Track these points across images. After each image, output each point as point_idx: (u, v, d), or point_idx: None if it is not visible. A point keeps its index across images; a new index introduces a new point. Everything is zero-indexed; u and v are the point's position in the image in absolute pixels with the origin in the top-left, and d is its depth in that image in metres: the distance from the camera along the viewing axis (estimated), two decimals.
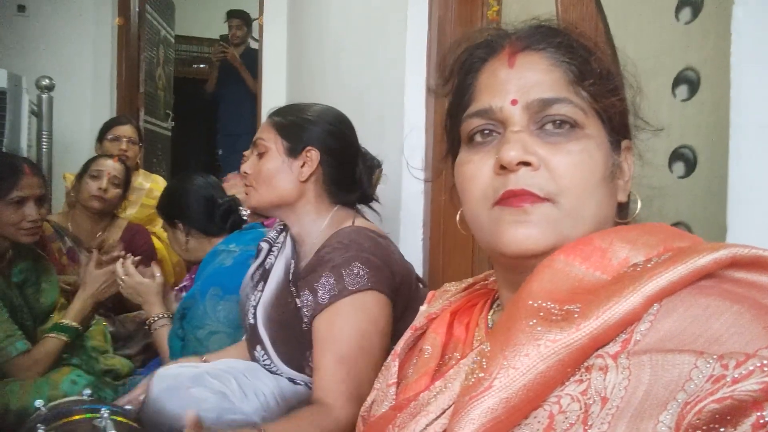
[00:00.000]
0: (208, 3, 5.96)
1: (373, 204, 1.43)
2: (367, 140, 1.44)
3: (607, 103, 0.65)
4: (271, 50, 3.77)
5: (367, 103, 2.03)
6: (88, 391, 1.34)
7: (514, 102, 0.63)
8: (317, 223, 1.32)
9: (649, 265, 0.55)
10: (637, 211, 0.68)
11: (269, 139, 1.32)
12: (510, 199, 0.61)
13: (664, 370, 0.48)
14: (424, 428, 0.61)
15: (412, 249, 1.73)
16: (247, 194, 1.36)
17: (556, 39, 0.66)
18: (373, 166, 1.40)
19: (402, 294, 1.24)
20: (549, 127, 0.63)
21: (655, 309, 0.52)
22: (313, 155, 1.31)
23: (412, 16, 1.81)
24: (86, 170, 2.46)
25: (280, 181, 1.30)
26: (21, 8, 3.80)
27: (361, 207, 1.42)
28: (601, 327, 0.51)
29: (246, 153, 1.49)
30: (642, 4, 1.12)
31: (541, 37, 0.66)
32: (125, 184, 2.52)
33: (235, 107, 4.61)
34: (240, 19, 4.80)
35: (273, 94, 3.62)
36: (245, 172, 1.35)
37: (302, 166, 1.30)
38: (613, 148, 0.66)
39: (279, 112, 1.38)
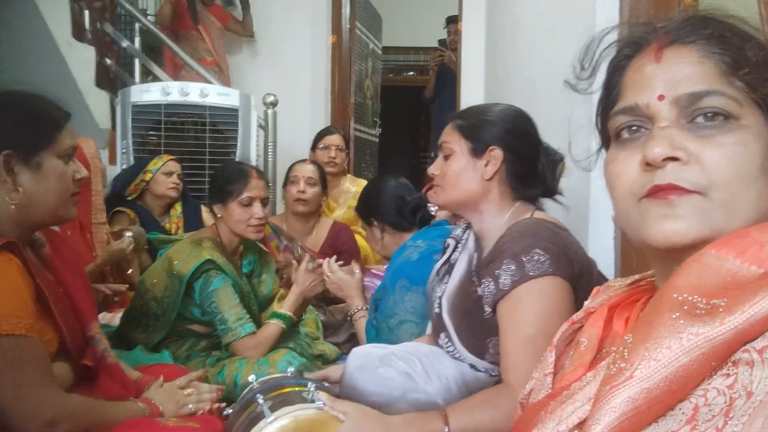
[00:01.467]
0: (413, 14, 6.20)
1: (559, 197, 1.44)
2: (551, 139, 1.43)
3: (767, 91, 0.62)
4: (470, 53, 3.85)
5: (555, 102, 2.00)
6: (292, 369, 1.54)
7: (661, 97, 0.63)
8: (498, 218, 1.36)
9: None
10: None
11: (453, 141, 1.39)
12: (657, 192, 0.61)
13: None
14: (570, 415, 0.63)
15: (603, 246, 1.69)
16: (435, 193, 1.45)
17: (706, 30, 0.64)
18: (555, 159, 1.41)
19: (582, 285, 1.23)
20: (700, 120, 0.61)
21: None
22: (496, 154, 1.35)
23: (600, 6, 1.77)
24: (287, 179, 2.76)
25: (465, 181, 1.37)
26: (252, 35, 4.33)
27: (548, 201, 1.43)
28: (747, 322, 0.51)
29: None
30: None
31: (690, 29, 0.65)
32: (322, 181, 2.76)
33: (452, 110, 4.76)
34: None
35: (471, 97, 3.69)
36: (432, 174, 1.43)
37: (486, 165, 1.35)
38: None
39: (461, 115, 1.44)
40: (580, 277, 1.23)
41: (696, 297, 0.55)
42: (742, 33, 0.64)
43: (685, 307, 0.54)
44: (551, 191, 1.42)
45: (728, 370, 0.51)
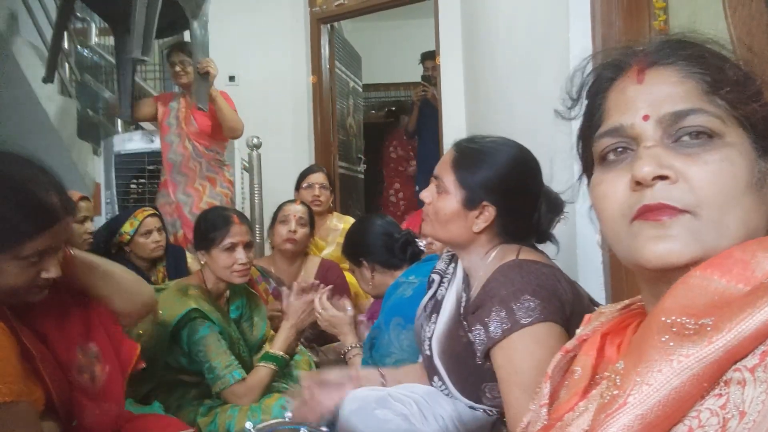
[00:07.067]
0: (392, 51, 6.30)
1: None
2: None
3: (748, 109, 0.62)
4: (449, 87, 3.89)
5: (535, 133, 2.02)
6: (289, 414, 1.50)
7: (645, 117, 0.63)
8: (485, 258, 1.33)
9: None
10: None
11: (448, 181, 1.33)
12: (647, 213, 0.61)
13: None
14: None
15: (592, 269, 1.69)
16: (425, 223, 1.41)
17: (685, 51, 0.65)
18: (557, 208, 1.34)
19: (574, 322, 1.22)
20: (685, 139, 0.61)
21: None
22: (489, 211, 1.30)
23: (574, 36, 1.79)
24: (275, 218, 2.74)
25: (453, 227, 1.32)
26: (231, 78, 4.38)
27: None
28: (735, 339, 0.50)
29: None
30: None
31: (670, 50, 0.65)
32: (311, 222, 2.75)
33: (434, 144, 4.82)
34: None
35: (454, 130, 3.72)
36: (424, 200, 1.38)
37: (477, 217, 1.30)
38: (759, 154, 0.63)
39: (462, 151, 1.35)
40: (571, 316, 1.21)
41: (684, 318, 0.54)
42: (719, 54, 0.65)
43: (674, 329, 0.54)
44: (544, 238, 1.37)
45: (720, 390, 0.50)
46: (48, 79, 3.14)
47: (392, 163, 5.63)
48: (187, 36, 3.28)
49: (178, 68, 3.21)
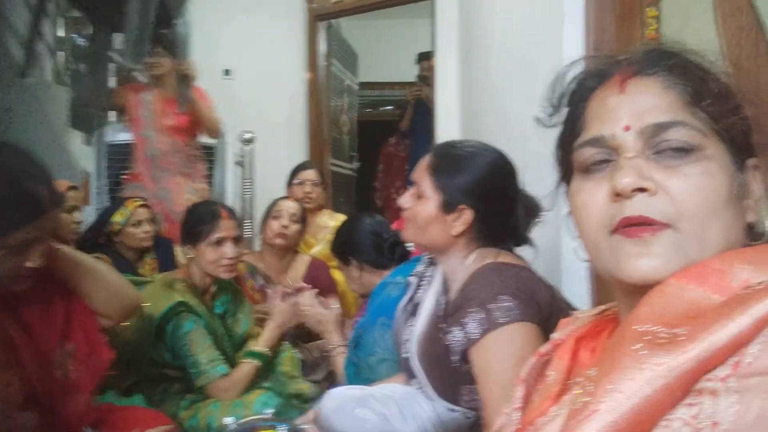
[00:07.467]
0: (389, 50, 6.29)
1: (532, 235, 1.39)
2: (526, 171, 1.39)
3: (728, 122, 0.62)
4: (444, 88, 3.88)
5: (527, 138, 2.02)
6: (271, 410, 1.50)
7: (626, 128, 0.63)
8: (463, 262, 1.34)
9: (760, 287, 0.52)
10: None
11: (426, 186, 1.34)
12: (628, 228, 0.61)
13: None
14: None
15: (576, 276, 1.69)
16: (404, 228, 1.42)
17: (668, 62, 0.65)
18: (534, 211, 1.35)
19: (551, 325, 1.22)
20: (666, 150, 0.61)
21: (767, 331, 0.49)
22: (466, 214, 1.31)
23: (567, 41, 1.80)
24: (269, 212, 2.73)
25: (431, 231, 1.33)
26: (226, 72, 4.36)
27: None
28: (708, 350, 0.50)
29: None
30: None
31: (652, 61, 0.65)
32: (303, 220, 2.75)
33: (428, 144, 4.82)
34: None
35: (447, 131, 3.72)
36: (403, 206, 1.39)
37: (455, 221, 1.31)
38: (737, 167, 0.63)
39: (439, 156, 1.37)
40: (549, 318, 1.21)
41: (658, 327, 0.54)
42: (701, 66, 0.65)
43: (648, 338, 0.54)
44: (521, 241, 1.38)
45: (692, 399, 0.50)
46: (26, 74, 3.09)
47: (395, 162, 5.60)
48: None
49: (152, 59, 3.13)
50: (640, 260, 0.60)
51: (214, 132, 3.25)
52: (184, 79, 3.09)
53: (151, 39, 2.87)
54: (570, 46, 1.79)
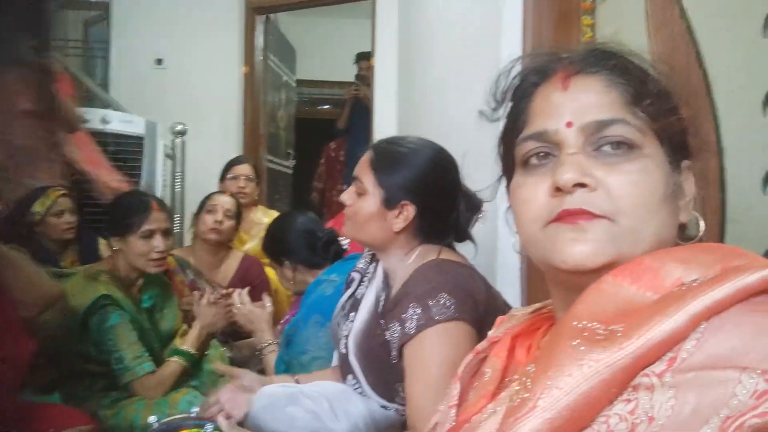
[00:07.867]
0: (328, 48, 6.26)
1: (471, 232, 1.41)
2: (465, 168, 1.40)
3: (666, 123, 0.64)
4: (382, 88, 3.89)
5: (465, 136, 2.05)
6: (196, 409, 1.46)
7: (569, 124, 0.64)
8: (404, 259, 1.33)
9: (694, 284, 0.53)
10: (701, 233, 0.66)
11: (368, 182, 1.33)
12: (566, 216, 0.61)
13: (709, 388, 0.47)
14: None
15: (510, 276, 1.72)
16: (345, 226, 1.40)
17: (610, 61, 0.66)
18: (475, 206, 1.36)
19: (487, 323, 1.23)
20: (606, 148, 0.63)
21: (702, 327, 0.50)
22: (408, 210, 1.30)
23: (505, 45, 1.82)
24: (203, 207, 2.66)
25: (372, 227, 1.32)
26: (159, 61, 4.22)
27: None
28: (644, 346, 0.51)
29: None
30: (731, 21, 1.08)
31: (594, 60, 0.66)
32: (237, 216, 2.69)
33: (364, 144, 4.78)
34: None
35: (384, 131, 3.70)
36: (344, 202, 1.37)
37: (397, 217, 1.31)
38: (673, 168, 0.65)
39: (379, 151, 1.36)
40: (485, 316, 1.22)
41: (595, 324, 0.55)
42: (641, 67, 0.67)
43: (585, 334, 0.54)
44: (463, 237, 1.39)
45: (629, 395, 0.51)
46: None
47: (337, 166, 5.55)
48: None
49: None
50: (576, 246, 0.60)
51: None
52: None
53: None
54: (507, 47, 1.82)
